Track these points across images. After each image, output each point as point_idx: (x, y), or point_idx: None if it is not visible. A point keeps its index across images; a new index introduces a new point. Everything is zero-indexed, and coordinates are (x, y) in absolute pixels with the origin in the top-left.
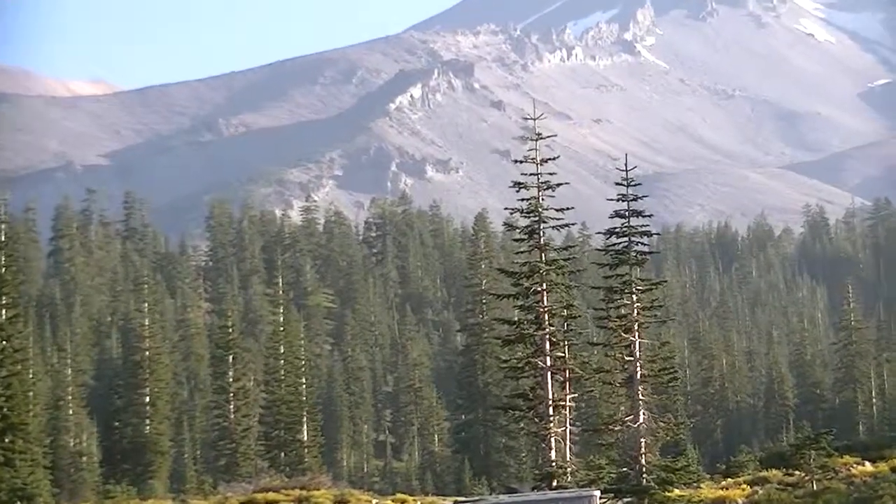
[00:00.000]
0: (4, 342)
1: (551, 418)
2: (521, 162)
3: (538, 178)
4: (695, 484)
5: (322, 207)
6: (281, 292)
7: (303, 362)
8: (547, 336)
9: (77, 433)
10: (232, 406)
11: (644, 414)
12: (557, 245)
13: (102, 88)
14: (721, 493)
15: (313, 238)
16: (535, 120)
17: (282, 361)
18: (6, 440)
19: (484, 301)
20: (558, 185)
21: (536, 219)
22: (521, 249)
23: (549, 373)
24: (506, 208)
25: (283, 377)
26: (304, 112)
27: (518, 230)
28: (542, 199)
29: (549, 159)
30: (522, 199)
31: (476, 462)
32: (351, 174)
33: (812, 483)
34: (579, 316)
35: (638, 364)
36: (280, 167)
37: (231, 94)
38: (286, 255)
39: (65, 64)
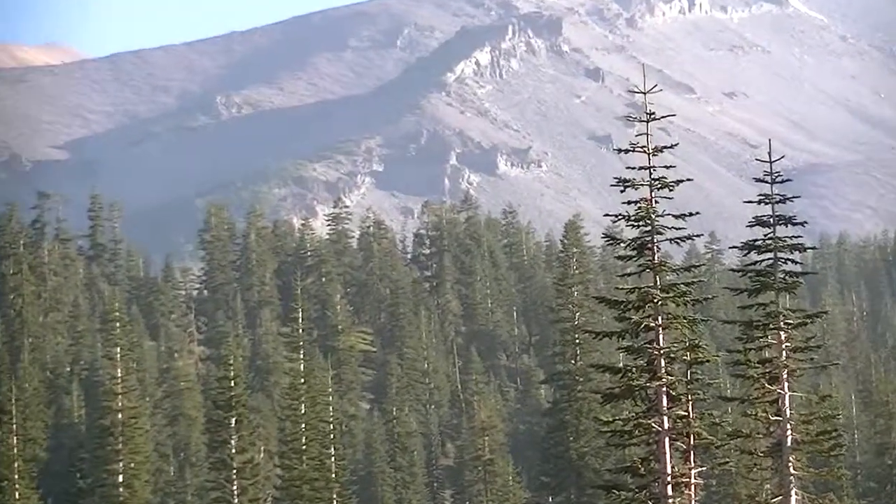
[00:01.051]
0: None
1: (671, 500)
2: (626, 151)
3: (650, 174)
4: None
5: (357, 215)
6: (301, 331)
7: (331, 426)
8: (664, 389)
9: None
10: (236, 487)
11: (797, 494)
12: (677, 264)
13: (60, 56)
14: None
15: (345, 257)
16: (645, 94)
17: (303, 425)
18: None
19: (578, 341)
20: (678, 182)
21: (648, 229)
22: (629, 271)
23: (666, 438)
24: (606, 215)
25: (304, 447)
26: (331, 86)
27: (624, 244)
28: (657, 202)
29: (666, 147)
30: (629, 203)
31: None
32: (395, 170)
33: None
34: (708, 361)
35: (788, 426)
36: (299, 161)
37: (231, 63)
38: (308, 281)
39: (10, 25)
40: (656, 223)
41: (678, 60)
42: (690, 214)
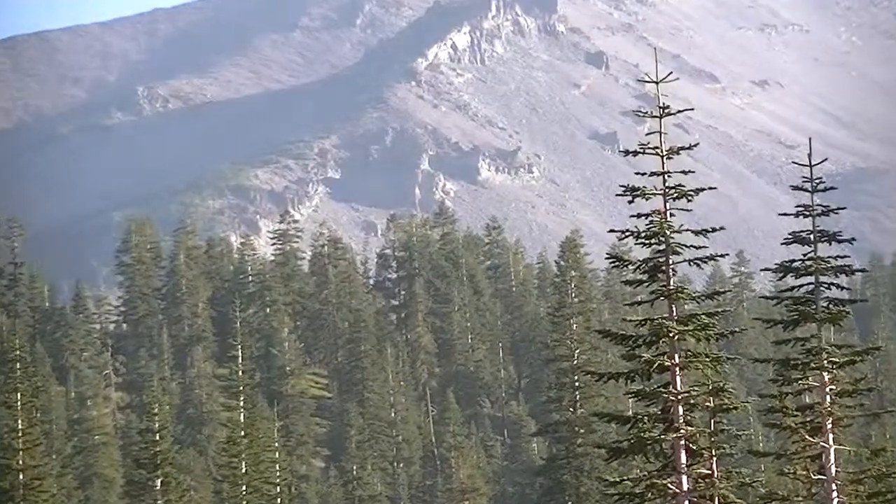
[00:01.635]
0: None
1: None
2: (635, 153)
3: (665, 180)
4: None
5: (308, 231)
6: (241, 373)
7: (278, 489)
8: (683, 442)
9: None
10: None
11: None
12: (698, 291)
13: None
14: None
15: (294, 283)
16: (658, 84)
17: (244, 488)
18: None
19: (578, 384)
20: (699, 190)
21: (663, 248)
22: (639, 298)
23: (686, 502)
24: (611, 231)
25: None
26: (277, 74)
27: (633, 266)
28: (672, 216)
29: (684, 148)
30: (639, 216)
31: None
32: (355, 176)
33: None
34: (735, 408)
35: (834, 486)
36: (238, 166)
37: (155, 48)
38: (250, 312)
39: None
40: (672, 241)
41: (698, 43)
42: (714, 230)
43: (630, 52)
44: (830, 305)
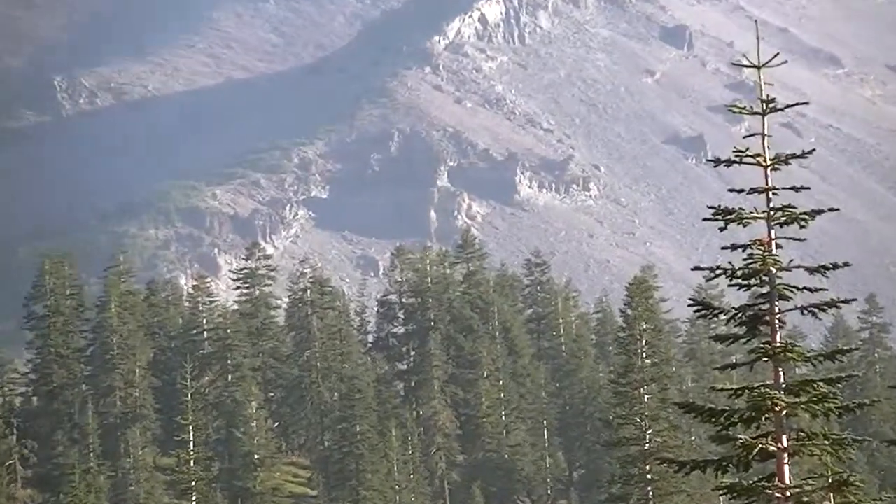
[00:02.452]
0: None
1: None
2: (728, 163)
3: (768, 200)
4: None
5: (285, 270)
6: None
7: None
8: None
9: None
10: None
11: None
12: (813, 349)
13: None
14: None
15: (265, 340)
16: (759, 69)
17: None
18: None
19: (651, 477)
20: (814, 213)
21: (766, 291)
22: (734, 360)
23: None
24: (696, 268)
25: None
26: (243, 59)
27: (725, 316)
28: (779, 247)
29: (795, 157)
30: (733, 248)
31: None
32: (348, 195)
33: None
34: None
35: None
36: (190, 183)
37: (77, 22)
38: (205, 380)
39: None
40: (779, 281)
41: (813, 14)
42: (835, 266)
43: (722, 26)
44: None
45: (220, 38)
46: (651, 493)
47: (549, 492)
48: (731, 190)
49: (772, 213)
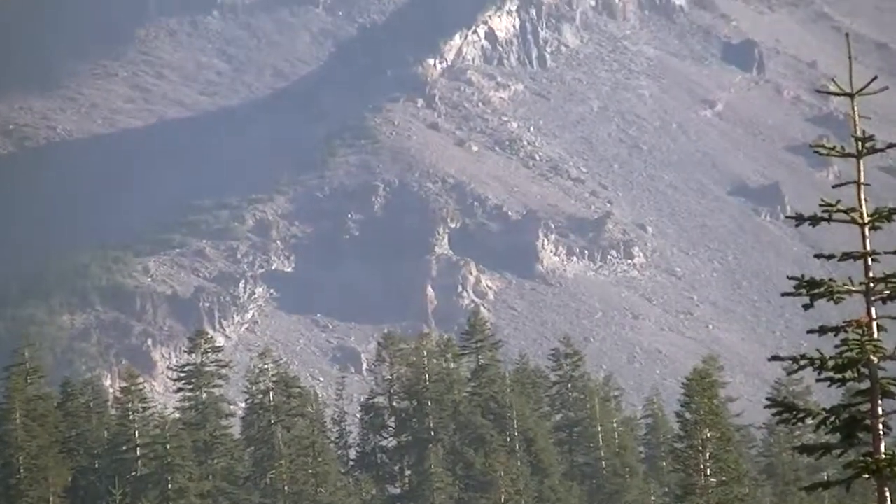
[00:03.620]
0: None
1: None
2: (813, 220)
3: (867, 268)
4: None
5: (240, 366)
6: None
7: None
8: None
9: None
10: None
11: None
12: None
13: None
14: None
15: (216, 456)
16: (852, 97)
17: None
18: None
19: None
20: None
21: (866, 386)
22: (825, 477)
23: None
24: (774, 358)
25: None
26: (182, 90)
27: (812, 419)
28: (883, 330)
29: None
30: (823, 331)
31: None
32: (320, 267)
33: None
34: None
35: None
36: (111, 251)
37: None
38: None
39: None
40: (882, 374)
41: None
42: None
43: (802, 41)
44: None
45: (150, 63)
46: None
47: None
48: (818, 256)
49: (872, 284)
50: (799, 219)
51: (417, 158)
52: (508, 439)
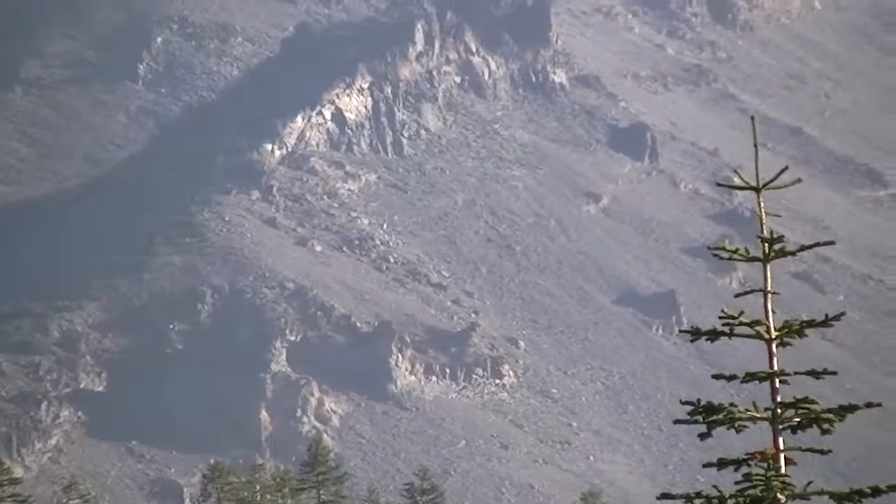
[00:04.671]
0: None
1: None
2: (711, 335)
3: (774, 389)
4: None
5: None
6: None
7: None
8: None
9: None
10: None
11: None
12: None
13: None
14: None
15: None
16: (758, 191)
17: None
18: None
19: None
20: (847, 410)
21: None
22: None
23: None
24: (664, 496)
25: None
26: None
27: None
28: (791, 464)
29: (815, 324)
30: (721, 464)
31: None
32: (137, 384)
33: None
34: None
35: None
36: None
37: None
38: None
39: None
40: None
41: (843, 105)
42: (877, 492)
43: (703, 124)
44: None
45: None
46: None
47: None
48: (716, 376)
49: (780, 410)
50: (696, 333)
51: (252, 260)
52: None
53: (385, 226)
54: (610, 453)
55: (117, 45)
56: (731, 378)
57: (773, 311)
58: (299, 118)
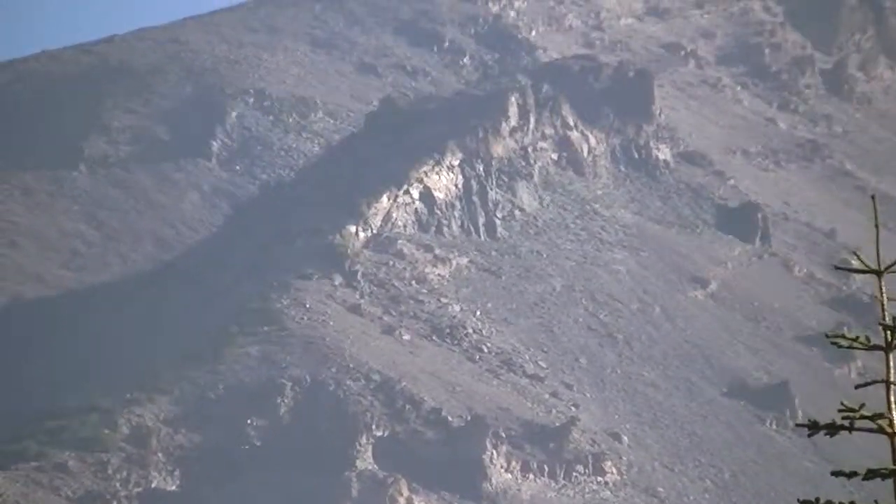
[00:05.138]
0: None
1: None
2: (831, 429)
3: None
4: None
5: None
6: None
7: None
8: None
9: None
10: None
11: None
12: None
13: None
14: None
15: None
16: (880, 275)
17: None
18: None
19: None
20: None
21: None
22: None
23: None
24: None
25: None
26: (36, 261)
27: None
28: None
29: None
30: None
31: None
32: (213, 483)
33: None
34: None
35: None
36: None
37: None
38: None
39: None
40: None
41: None
42: None
43: (816, 203)
44: None
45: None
46: None
47: None
48: (836, 473)
49: None
50: (813, 427)
51: (334, 350)
52: None
53: (478, 313)
54: None
55: (188, 120)
56: (852, 475)
57: None
58: (385, 198)
